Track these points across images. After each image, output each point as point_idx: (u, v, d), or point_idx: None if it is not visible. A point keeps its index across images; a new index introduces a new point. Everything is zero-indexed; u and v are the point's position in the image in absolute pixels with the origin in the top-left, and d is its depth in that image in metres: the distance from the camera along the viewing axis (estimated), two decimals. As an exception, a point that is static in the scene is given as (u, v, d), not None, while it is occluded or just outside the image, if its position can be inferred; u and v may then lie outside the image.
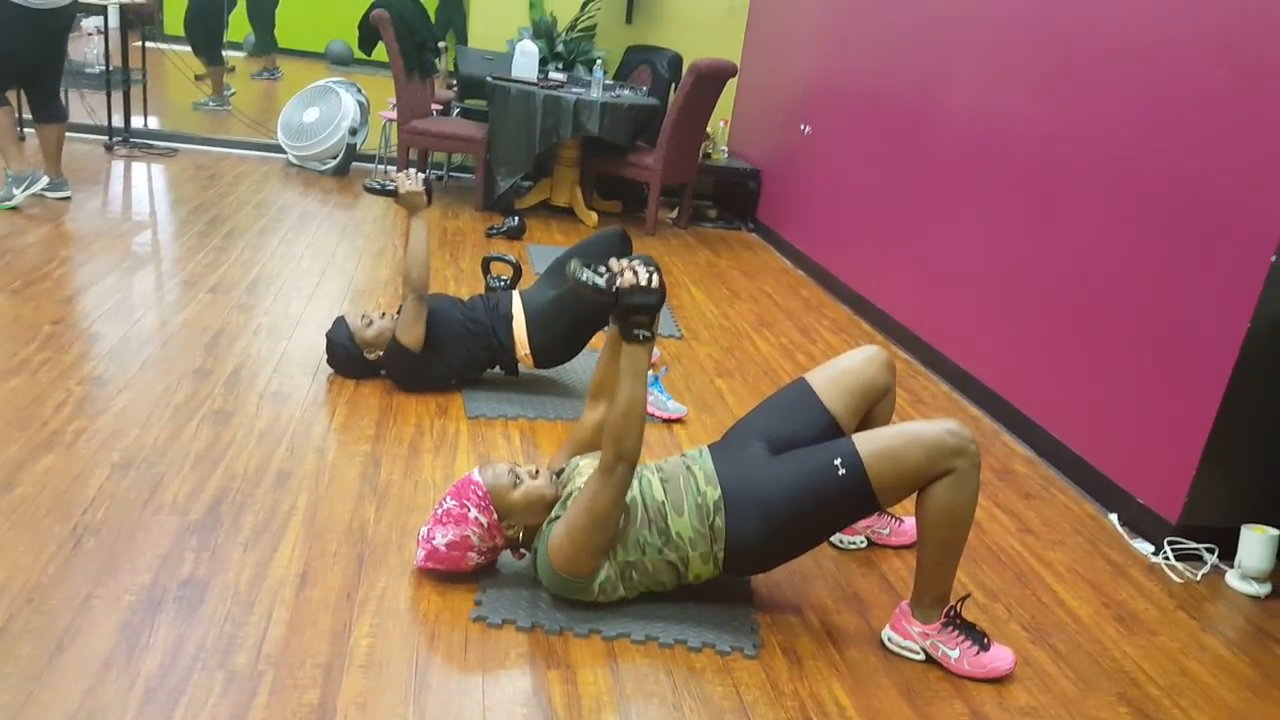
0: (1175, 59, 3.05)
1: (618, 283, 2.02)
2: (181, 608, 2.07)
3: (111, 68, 6.39)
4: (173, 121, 7.57)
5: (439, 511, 2.24)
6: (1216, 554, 2.88)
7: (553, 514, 2.23)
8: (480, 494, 2.22)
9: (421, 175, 3.30)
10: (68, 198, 5.01)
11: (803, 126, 6.00)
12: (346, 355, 3.29)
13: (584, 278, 2.05)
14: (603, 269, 2.07)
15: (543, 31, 6.82)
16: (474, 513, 2.20)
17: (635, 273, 2.03)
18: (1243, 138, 2.78)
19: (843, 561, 2.65)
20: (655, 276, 2.04)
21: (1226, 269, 2.80)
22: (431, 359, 3.27)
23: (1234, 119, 2.81)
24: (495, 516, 2.22)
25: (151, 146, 6.57)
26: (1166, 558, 2.89)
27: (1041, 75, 3.71)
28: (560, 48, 6.85)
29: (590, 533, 2.12)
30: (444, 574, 2.29)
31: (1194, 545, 2.89)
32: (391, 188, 3.26)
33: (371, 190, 3.27)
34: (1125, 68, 3.27)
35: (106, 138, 6.44)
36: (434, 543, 2.22)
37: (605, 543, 2.15)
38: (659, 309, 2.05)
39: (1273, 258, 2.65)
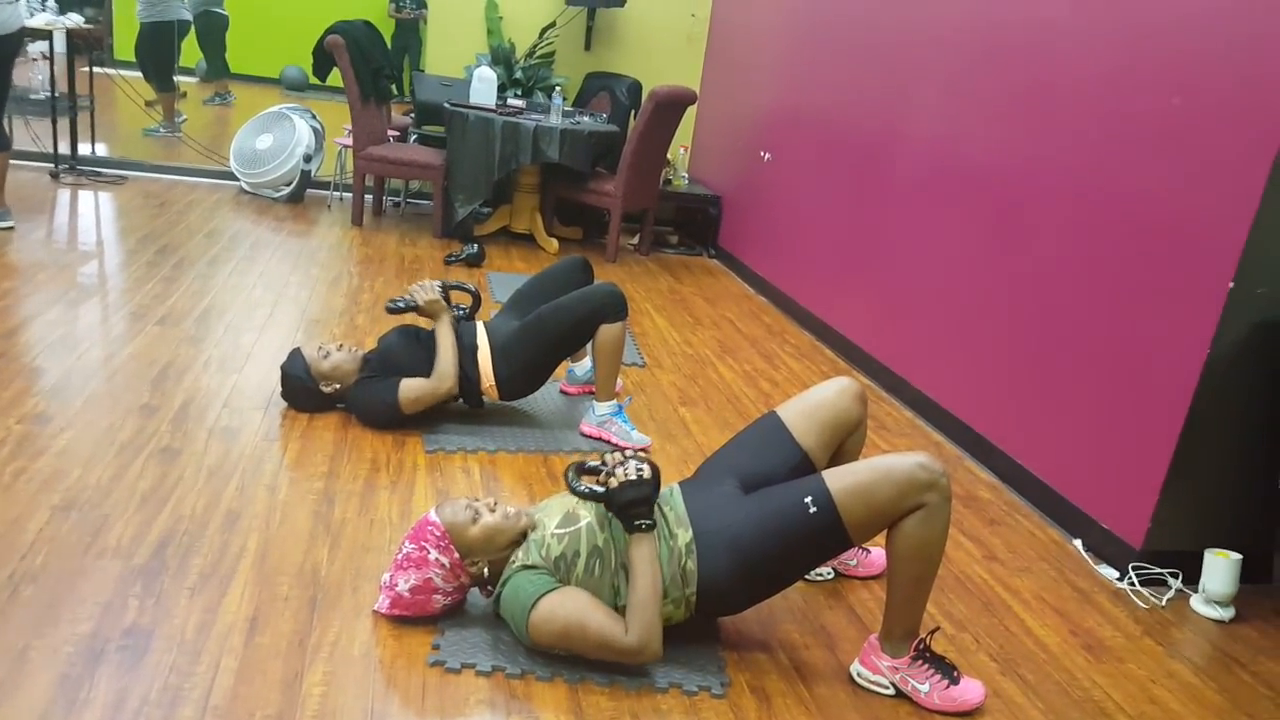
0: (1130, 87, 3.07)
1: (609, 483, 2.11)
2: (124, 658, 1.98)
3: (58, 94, 6.26)
4: (122, 148, 7.44)
5: (399, 556, 2.17)
6: (1181, 578, 2.88)
7: (521, 559, 2.16)
8: (438, 534, 2.15)
9: (436, 284, 3.35)
10: (11, 228, 4.88)
11: (763, 153, 6.01)
12: (302, 388, 3.21)
13: (581, 489, 2.15)
14: (595, 464, 2.20)
15: (501, 58, 6.79)
16: (434, 554, 2.14)
17: (625, 468, 2.12)
18: (1198, 163, 2.79)
19: (810, 594, 2.61)
20: (647, 468, 2.13)
21: (1186, 295, 2.80)
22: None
23: (1189, 145, 2.83)
24: (457, 555, 2.15)
25: (99, 174, 6.44)
26: (1132, 583, 2.87)
27: (999, 102, 3.72)
28: (519, 74, 6.82)
29: (577, 649, 2.11)
30: (400, 617, 2.21)
31: (1158, 570, 2.88)
32: (413, 304, 3.32)
33: (395, 310, 3.32)
34: (1081, 95, 3.28)
35: (53, 165, 6.30)
36: (397, 589, 2.15)
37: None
38: (655, 498, 2.13)
39: (1230, 284, 2.66)
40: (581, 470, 2.21)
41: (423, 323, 3.47)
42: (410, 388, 3.17)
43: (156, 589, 2.22)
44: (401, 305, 3.33)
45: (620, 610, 2.14)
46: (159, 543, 2.40)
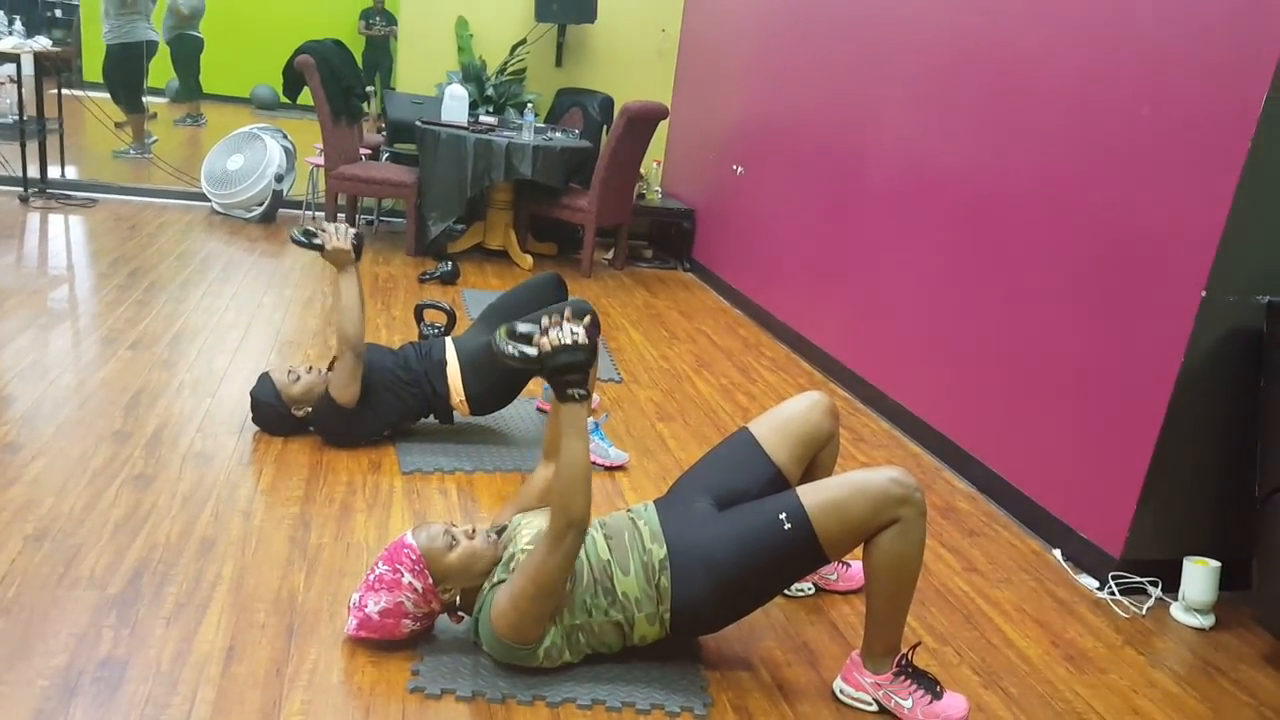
0: (1099, 98, 3.09)
1: (542, 345, 1.94)
2: (99, 690, 1.95)
3: (26, 117, 6.20)
4: (92, 171, 7.38)
5: (370, 577, 2.14)
6: (1160, 587, 2.89)
7: (495, 577, 2.14)
8: (414, 557, 2.13)
9: (351, 230, 3.14)
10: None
11: (735, 167, 6.03)
12: (273, 413, 3.18)
13: (509, 350, 1.96)
14: (528, 328, 1.99)
15: (472, 75, 6.79)
16: (407, 577, 2.12)
17: (560, 330, 1.95)
18: (1168, 173, 2.82)
19: (791, 610, 2.60)
20: (582, 332, 1.96)
21: (1159, 304, 2.82)
22: (362, 411, 3.17)
23: (1158, 156, 2.85)
24: (430, 581, 2.13)
25: (69, 197, 6.38)
26: (1112, 593, 2.88)
27: (969, 114, 3.75)
28: (490, 91, 6.82)
29: (536, 600, 2.03)
30: (378, 642, 2.19)
31: (1138, 579, 2.89)
32: (318, 241, 3.08)
33: (297, 242, 3.08)
34: (1051, 107, 3.31)
35: (21, 189, 6.24)
36: (366, 610, 2.12)
37: (551, 609, 2.08)
38: (590, 364, 1.98)
39: (1203, 292, 2.68)
40: (513, 335, 1.99)
41: (395, 341, 3.44)
42: (331, 379, 3.09)
43: (131, 619, 2.18)
44: (304, 240, 3.07)
45: (592, 634, 2.13)
46: (133, 572, 2.36)
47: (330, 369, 3.20)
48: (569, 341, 1.94)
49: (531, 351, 1.96)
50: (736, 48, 6.14)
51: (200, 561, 2.45)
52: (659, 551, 2.16)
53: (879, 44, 4.44)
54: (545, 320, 1.99)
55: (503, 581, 2.11)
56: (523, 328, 2.00)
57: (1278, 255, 2.71)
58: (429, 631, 2.26)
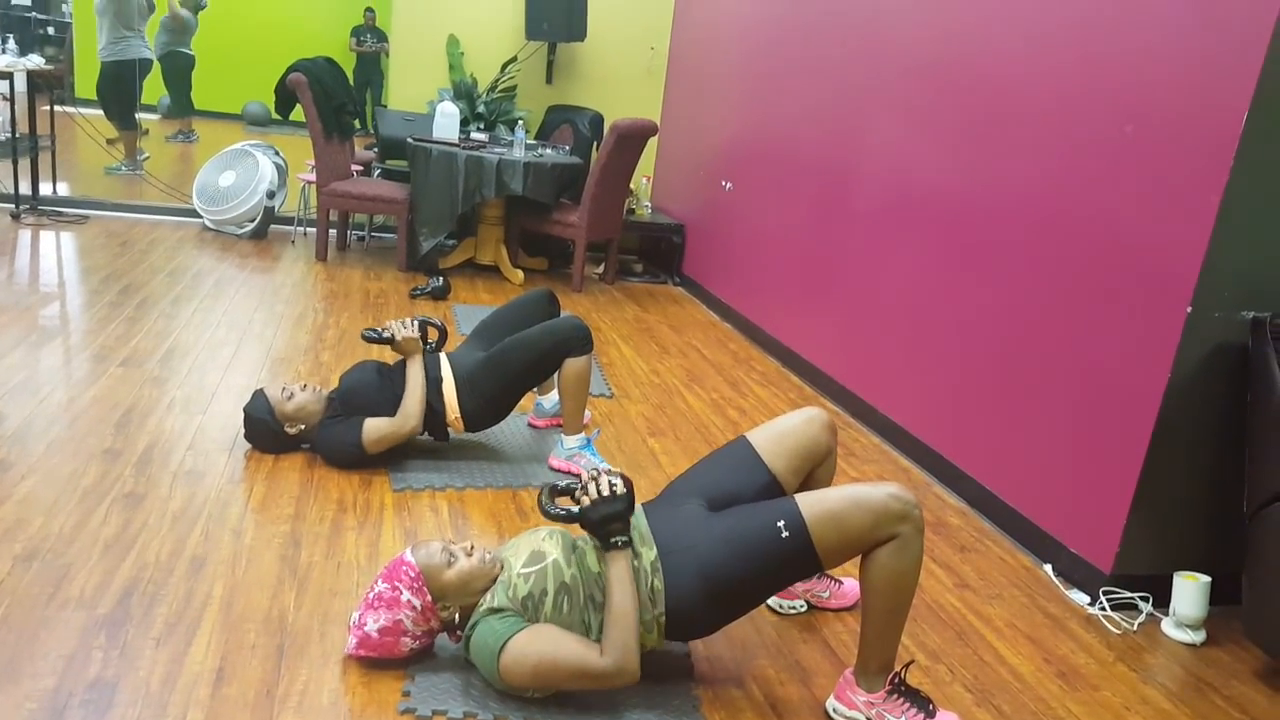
0: (1084, 115, 3.12)
1: (582, 502, 2.12)
2: (88, 713, 1.94)
3: (18, 134, 6.20)
4: (83, 187, 7.37)
5: (370, 595, 2.14)
6: (1151, 602, 2.89)
7: (493, 600, 2.12)
8: (412, 575, 2.13)
9: (416, 320, 3.34)
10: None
11: (724, 183, 6.05)
12: (266, 430, 3.18)
13: (554, 513, 2.13)
14: (567, 483, 2.20)
15: (463, 92, 6.81)
16: (406, 595, 2.11)
17: (597, 486, 2.11)
18: (1152, 190, 2.84)
19: (783, 627, 2.60)
20: (620, 483, 2.12)
21: (1145, 319, 2.84)
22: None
23: (1143, 172, 2.88)
24: (429, 598, 2.13)
25: (61, 214, 6.38)
26: (1103, 608, 2.89)
27: (956, 130, 3.77)
28: (481, 108, 6.84)
29: (552, 685, 2.07)
30: (373, 661, 2.19)
31: (1129, 594, 2.90)
32: (388, 336, 3.29)
33: (371, 339, 3.30)
34: (1037, 123, 3.33)
35: (13, 206, 6.23)
36: (365, 629, 2.12)
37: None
38: (629, 514, 2.12)
39: (1188, 308, 2.70)
40: (555, 492, 2.19)
41: (389, 357, 3.45)
42: (373, 428, 3.15)
43: (121, 640, 2.18)
44: (377, 336, 3.30)
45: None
46: (123, 592, 2.36)
47: (330, 396, 3.27)
48: (606, 494, 2.11)
49: (575, 510, 2.13)
50: (725, 66, 6.17)
51: (190, 581, 2.44)
52: (649, 554, 2.15)
53: (866, 62, 4.47)
54: (584, 475, 2.17)
55: (496, 610, 2.10)
56: (562, 484, 2.21)
57: (1262, 271, 2.73)
58: (429, 650, 2.26)
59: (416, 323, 3.34)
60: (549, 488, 2.20)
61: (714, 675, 2.35)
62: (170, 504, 2.82)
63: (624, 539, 2.10)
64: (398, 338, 3.28)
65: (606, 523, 2.09)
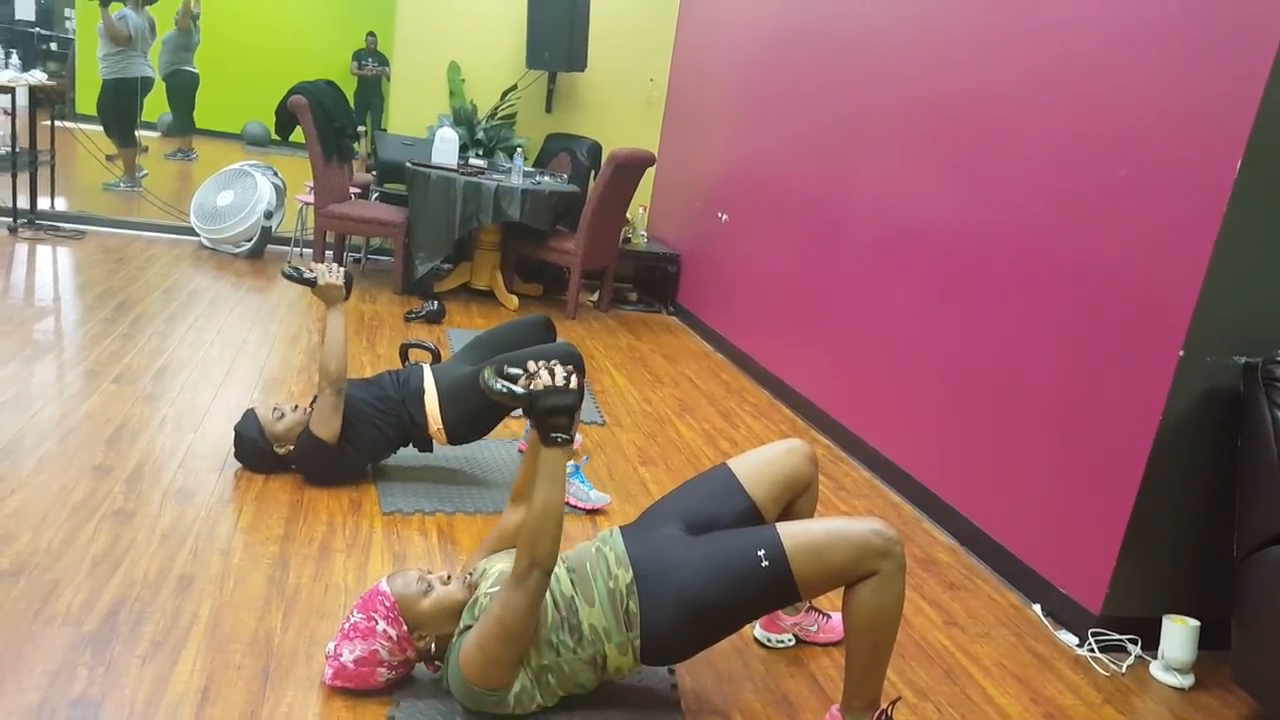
0: (1076, 158, 3.15)
1: (531, 385, 1.96)
2: (70, 731, 1.93)
3: (18, 148, 6.21)
4: (81, 203, 7.38)
5: (346, 626, 2.13)
6: (1140, 644, 2.89)
7: (462, 624, 2.13)
8: (388, 605, 2.11)
9: (342, 269, 3.21)
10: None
11: (720, 214, 6.09)
12: (256, 450, 3.17)
13: (496, 386, 1.95)
14: (516, 371, 2.00)
15: (463, 119, 6.85)
16: (382, 625, 2.10)
17: (551, 373, 1.97)
18: (1144, 234, 2.86)
19: (770, 661, 2.60)
20: (573, 376, 1.99)
21: (1137, 361, 2.86)
22: (343, 447, 3.16)
23: (1135, 216, 2.90)
24: (405, 628, 2.11)
25: (58, 229, 6.38)
26: (1091, 649, 2.89)
27: (953, 168, 3.81)
28: (481, 135, 6.89)
29: (503, 643, 2.01)
30: (353, 690, 2.17)
31: (1118, 636, 2.90)
32: (310, 276, 3.15)
33: (289, 276, 3.15)
34: (1029, 164, 3.37)
35: (10, 220, 6.24)
36: (341, 659, 2.11)
37: (519, 653, 2.05)
38: (576, 410, 1.99)
39: (1180, 352, 2.71)
40: (501, 373, 1.98)
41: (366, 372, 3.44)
42: (315, 412, 3.11)
43: (106, 657, 2.16)
44: (296, 275, 3.14)
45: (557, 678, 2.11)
46: (110, 609, 2.34)
47: (312, 405, 3.20)
48: (558, 383, 1.96)
49: (519, 389, 1.95)
50: (723, 98, 6.22)
51: (178, 600, 2.43)
52: (625, 576, 2.13)
53: (861, 99, 4.51)
54: (533, 364, 2.01)
55: (470, 628, 2.10)
56: (511, 369, 2.01)
57: (1254, 317, 2.75)
58: (405, 680, 2.24)
59: (342, 271, 3.19)
60: (495, 365, 2.01)
61: (700, 708, 2.34)
62: (160, 522, 2.81)
63: (565, 436, 1.97)
64: (320, 281, 3.14)
65: (552, 413, 1.95)
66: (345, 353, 3.10)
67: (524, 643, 2.04)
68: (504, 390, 1.95)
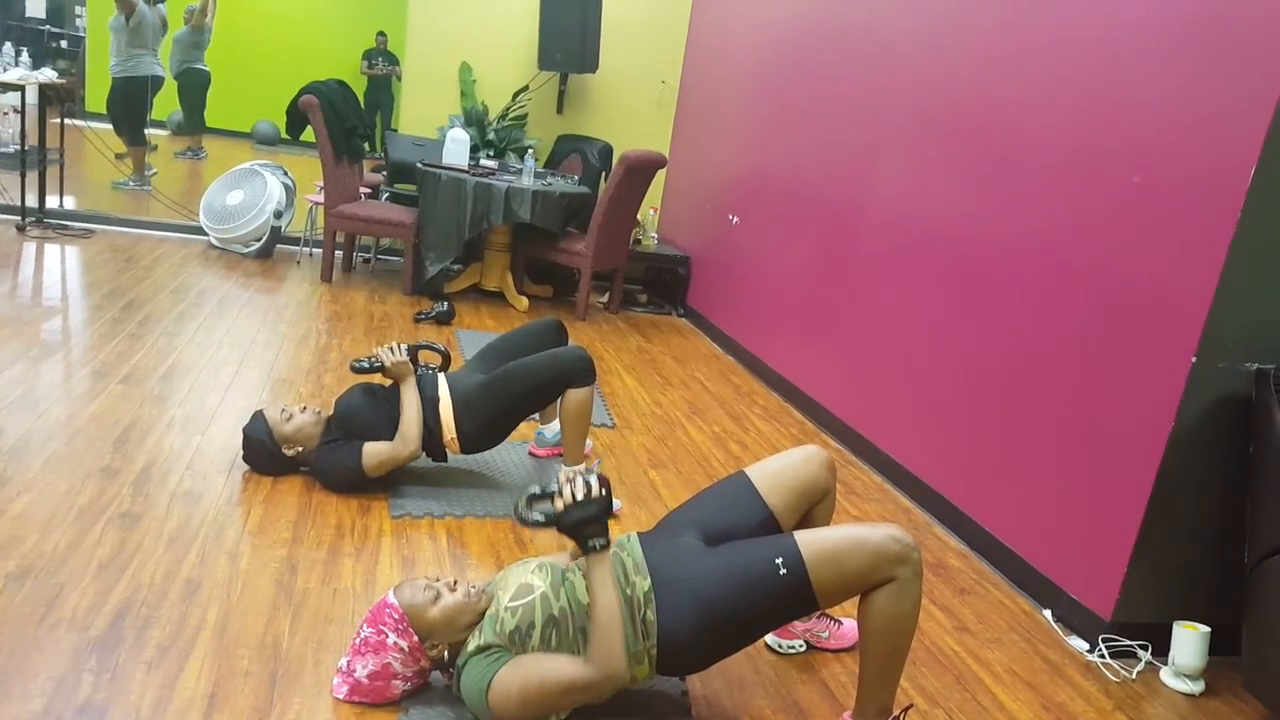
0: (1092, 163, 3.13)
1: (556, 506, 2.06)
2: (76, 737, 1.92)
3: (28, 147, 6.22)
4: (90, 201, 7.39)
5: (356, 641, 2.12)
6: (1150, 651, 2.87)
7: (481, 637, 2.10)
8: (397, 616, 2.10)
9: (404, 346, 3.32)
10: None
11: (731, 216, 6.07)
12: (264, 452, 3.17)
13: (529, 520, 2.07)
14: (547, 489, 2.11)
15: (474, 119, 6.85)
16: (392, 637, 2.09)
17: (573, 490, 2.06)
18: (1159, 239, 2.84)
19: (782, 667, 2.58)
20: (595, 486, 2.07)
21: (1150, 367, 2.83)
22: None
23: (1150, 221, 2.88)
24: (416, 638, 2.10)
25: (66, 227, 6.39)
26: (1102, 655, 2.87)
27: (968, 175, 3.78)
28: (492, 135, 6.88)
29: (542, 710, 2.03)
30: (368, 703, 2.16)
31: (1128, 642, 2.87)
32: (378, 365, 3.26)
33: (360, 370, 3.27)
34: (1046, 169, 3.34)
35: (19, 218, 6.25)
36: (355, 675, 2.09)
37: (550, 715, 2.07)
38: (606, 517, 2.07)
39: (1193, 358, 2.69)
40: (533, 499, 2.12)
41: (381, 381, 3.44)
42: (373, 452, 3.14)
43: (112, 663, 2.15)
44: (366, 366, 3.27)
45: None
46: (116, 613, 2.34)
47: (327, 420, 3.25)
48: (581, 497, 2.05)
49: (547, 516, 2.08)
50: (735, 101, 6.20)
51: (184, 604, 2.42)
52: (643, 584, 2.12)
53: (876, 105, 4.49)
54: (561, 477, 2.12)
55: (494, 647, 2.07)
56: (537, 490, 2.13)
57: (1266, 324, 2.73)
58: (423, 688, 2.23)
59: (405, 348, 3.31)
60: (527, 496, 2.13)
61: (711, 714, 2.33)
62: (167, 525, 2.80)
63: (601, 541, 2.05)
64: (388, 364, 3.26)
65: (582, 526, 2.05)
66: (420, 422, 3.20)
67: (558, 713, 2.07)
68: (541, 519, 2.08)
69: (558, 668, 2.01)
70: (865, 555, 2.06)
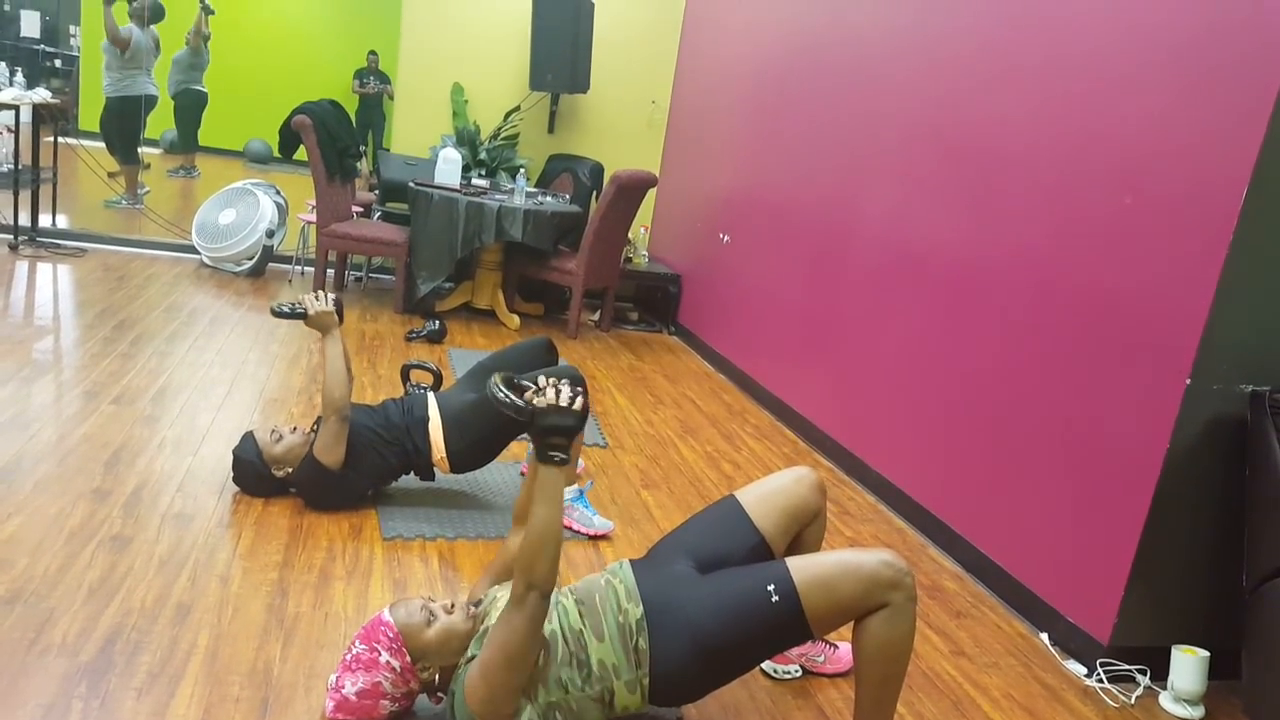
0: (1083, 185, 3.13)
1: (535, 401, 1.96)
2: (64, 765, 1.89)
3: (21, 166, 6.20)
4: (83, 220, 7.36)
5: (348, 657, 2.10)
6: (1149, 675, 2.86)
7: (469, 654, 2.10)
8: (391, 635, 2.08)
9: (332, 295, 3.20)
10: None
11: (722, 235, 6.07)
12: (254, 473, 3.14)
13: (501, 396, 1.96)
14: (525, 384, 2.01)
15: (466, 139, 6.85)
16: (385, 656, 2.07)
17: (556, 391, 1.97)
18: (1152, 261, 2.85)
19: (777, 693, 2.56)
20: (579, 398, 1.99)
21: (1145, 390, 2.84)
22: (345, 473, 3.14)
23: (1142, 243, 2.89)
24: (408, 659, 2.08)
25: (59, 246, 6.37)
26: (1100, 680, 2.85)
27: (959, 195, 3.79)
28: (483, 155, 6.89)
29: (506, 670, 1.96)
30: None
31: (1126, 667, 2.86)
32: (300, 310, 3.15)
33: (280, 314, 3.13)
34: (1037, 190, 3.35)
35: (11, 237, 6.22)
36: (344, 691, 2.07)
37: (523, 681, 2.00)
38: (577, 431, 1.99)
39: (1188, 380, 2.69)
40: (509, 384, 2.00)
41: (370, 399, 3.42)
42: (316, 442, 3.09)
43: (102, 689, 2.13)
44: (287, 311, 3.14)
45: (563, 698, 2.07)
46: (106, 638, 2.31)
47: (314, 430, 3.18)
48: (563, 404, 1.96)
49: (522, 402, 1.96)
50: (725, 122, 6.22)
51: (175, 629, 2.40)
52: (635, 611, 2.10)
53: (867, 125, 4.50)
54: (542, 380, 2.02)
55: (475, 658, 2.06)
56: (521, 381, 2.02)
57: (1261, 345, 2.73)
58: (409, 711, 2.21)
59: (332, 297, 3.19)
60: (505, 377, 2.02)
61: (705, 741, 2.31)
62: (157, 548, 2.78)
63: (562, 455, 1.97)
64: (310, 311, 3.13)
65: (552, 432, 1.96)
66: (347, 379, 3.09)
67: (526, 668, 2.00)
68: (508, 400, 1.96)
69: (499, 626, 1.97)
70: (858, 581, 2.04)
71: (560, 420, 1.96)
